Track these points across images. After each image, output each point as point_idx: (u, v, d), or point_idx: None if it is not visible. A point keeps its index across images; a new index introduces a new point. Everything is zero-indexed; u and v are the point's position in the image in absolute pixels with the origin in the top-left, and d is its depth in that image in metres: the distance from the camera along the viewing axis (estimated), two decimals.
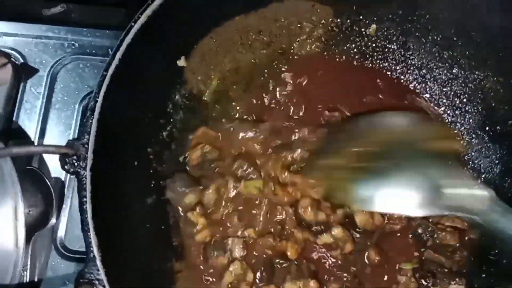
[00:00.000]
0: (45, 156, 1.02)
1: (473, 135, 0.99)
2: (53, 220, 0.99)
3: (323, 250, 0.89)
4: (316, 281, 0.85)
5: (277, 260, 0.88)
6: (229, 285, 0.85)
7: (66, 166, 0.69)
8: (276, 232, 0.89)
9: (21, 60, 1.07)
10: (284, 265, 0.87)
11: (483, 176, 0.97)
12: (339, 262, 0.88)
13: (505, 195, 0.91)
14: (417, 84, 1.03)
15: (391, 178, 0.81)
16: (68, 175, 1.01)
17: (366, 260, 0.89)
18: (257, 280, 0.87)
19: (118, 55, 0.74)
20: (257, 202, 0.90)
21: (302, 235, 0.88)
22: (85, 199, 0.68)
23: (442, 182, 0.78)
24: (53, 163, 1.02)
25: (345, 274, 0.88)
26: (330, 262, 0.89)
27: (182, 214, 0.90)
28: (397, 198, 0.81)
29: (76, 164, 0.69)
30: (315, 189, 0.89)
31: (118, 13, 1.12)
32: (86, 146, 0.70)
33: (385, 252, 0.91)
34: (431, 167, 0.80)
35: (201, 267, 0.88)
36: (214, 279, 0.88)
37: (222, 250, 0.87)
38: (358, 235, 0.90)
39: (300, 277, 0.85)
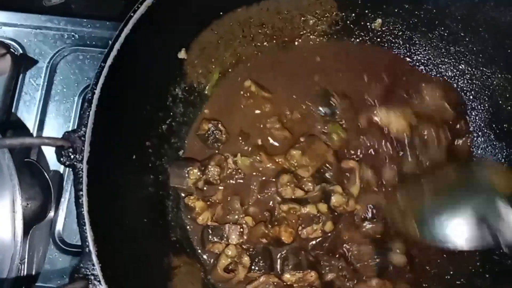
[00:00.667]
0: (44, 148, 1.01)
1: (479, 133, 0.97)
2: (51, 214, 0.98)
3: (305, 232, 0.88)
4: (316, 272, 0.85)
5: (272, 248, 0.88)
6: (226, 269, 0.85)
7: (62, 159, 0.68)
8: (266, 219, 0.89)
9: (21, 51, 1.06)
10: (282, 252, 0.87)
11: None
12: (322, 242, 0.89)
13: None
14: None
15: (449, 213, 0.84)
16: (67, 168, 1.00)
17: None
18: (256, 268, 0.87)
19: (117, 46, 0.72)
20: (251, 180, 0.92)
21: (288, 206, 0.88)
22: (81, 193, 0.67)
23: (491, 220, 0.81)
24: (51, 155, 1.00)
25: (341, 264, 0.88)
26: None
27: (183, 200, 0.91)
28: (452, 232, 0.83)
29: (72, 156, 0.68)
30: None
31: (118, 4, 1.10)
32: (83, 138, 0.68)
33: None
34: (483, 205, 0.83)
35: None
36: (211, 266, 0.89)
37: (219, 236, 0.87)
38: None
39: (299, 268, 0.85)
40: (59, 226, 0.98)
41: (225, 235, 0.87)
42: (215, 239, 0.87)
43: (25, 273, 0.93)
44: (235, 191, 0.92)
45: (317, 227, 0.87)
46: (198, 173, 0.89)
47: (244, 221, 0.88)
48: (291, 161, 0.90)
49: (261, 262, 0.87)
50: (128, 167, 0.82)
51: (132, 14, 0.73)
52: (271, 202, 0.91)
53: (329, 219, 0.88)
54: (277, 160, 0.91)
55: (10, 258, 0.85)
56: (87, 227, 0.66)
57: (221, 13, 0.90)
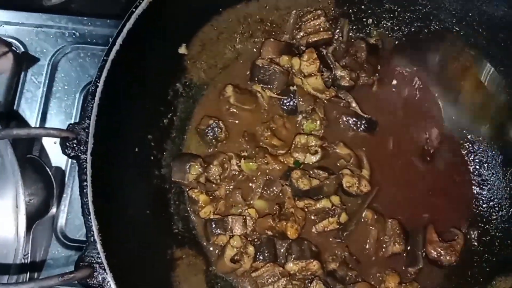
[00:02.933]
0: (46, 145, 1.02)
1: None
2: (53, 209, 0.99)
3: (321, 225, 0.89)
4: (318, 262, 0.86)
5: (277, 240, 0.89)
6: (232, 260, 0.86)
7: (66, 150, 0.69)
8: (275, 213, 0.90)
9: (22, 49, 1.07)
10: (285, 244, 0.88)
11: (485, 165, 0.97)
12: (336, 236, 0.90)
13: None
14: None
15: None
16: (69, 164, 1.01)
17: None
18: (260, 258, 0.87)
19: (119, 40, 0.74)
20: (254, 179, 0.92)
21: (304, 203, 0.89)
22: (85, 183, 0.68)
23: None
24: (53, 152, 1.02)
25: (346, 254, 0.89)
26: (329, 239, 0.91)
27: (187, 193, 0.91)
28: None
29: (76, 148, 0.69)
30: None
31: (118, 2, 1.11)
32: (86, 130, 0.70)
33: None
34: None
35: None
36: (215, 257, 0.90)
37: (223, 228, 0.88)
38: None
39: (302, 258, 0.86)
40: (61, 222, 0.99)
41: (229, 227, 0.87)
42: (219, 231, 0.87)
43: (28, 268, 0.94)
44: (237, 187, 0.92)
45: (333, 220, 0.88)
46: (200, 169, 0.89)
47: (247, 213, 0.89)
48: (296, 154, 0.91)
49: (265, 252, 0.88)
50: (131, 159, 0.83)
51: (134, 9, 0.75)
52: (279, 197, 0.91)
53: (343, 210, 0.89)
54: (282, 160, 0.92)
55: (13, 254, 0.86)
56: (92, 216, 0.67)
57: (220, 9, 0.92)
